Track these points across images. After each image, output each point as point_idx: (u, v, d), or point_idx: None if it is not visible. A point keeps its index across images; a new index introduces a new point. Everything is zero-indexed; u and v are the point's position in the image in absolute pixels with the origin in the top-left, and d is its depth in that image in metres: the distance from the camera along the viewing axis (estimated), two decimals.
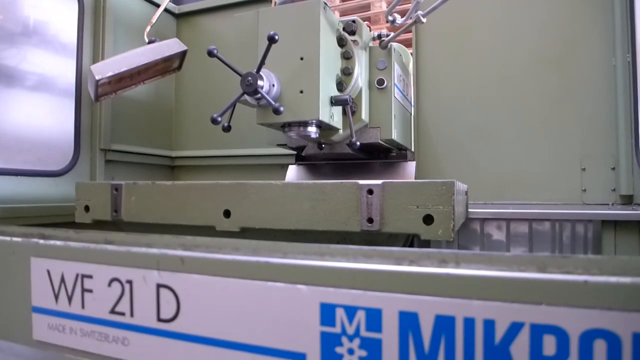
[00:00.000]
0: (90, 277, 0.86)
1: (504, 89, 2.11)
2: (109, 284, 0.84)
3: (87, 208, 1.51)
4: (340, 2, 3.63)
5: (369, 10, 3.43)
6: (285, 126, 1.60)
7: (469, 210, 1.73)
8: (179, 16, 3.02)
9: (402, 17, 1.68)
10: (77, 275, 0.87)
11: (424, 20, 1.65)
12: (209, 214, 1.29)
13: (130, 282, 0.82)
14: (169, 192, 1.36)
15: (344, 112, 1.66)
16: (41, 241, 0.91)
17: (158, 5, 2.75)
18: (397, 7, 1.69)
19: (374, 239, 1.21)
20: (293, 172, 2.19)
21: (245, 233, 1.25)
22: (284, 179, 2.17)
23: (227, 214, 1.26)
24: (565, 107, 2.01)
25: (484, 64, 2.14)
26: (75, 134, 2.32)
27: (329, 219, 1.15)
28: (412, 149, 2.16)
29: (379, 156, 2.07)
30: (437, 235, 1.06)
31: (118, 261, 0.82)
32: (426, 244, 1.88)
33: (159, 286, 0.79)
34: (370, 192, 1.12)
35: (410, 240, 1.65)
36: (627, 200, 1.89)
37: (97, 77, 1.90)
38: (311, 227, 1.17)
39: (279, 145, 2.06)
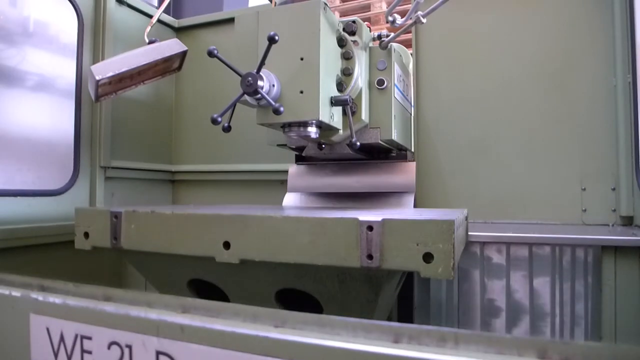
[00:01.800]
0: (89, 338, 0.84)
1: (504, 103, 2.08)
2: (109, 347, 0.82)
3: (86, 234, 1.48)
4: (340, 3, 3.61)
5: (369, 11, 3.40)
6: (285, 126, 1.57)
7: (469, 233, 1.73)
8: (178, 30, 2.99)
9: (402, 18, 1.66)
10: (76, 336, 0.85)
11: (424, 20, 1.63)
12: (209, 245, 1.26)
13: (129, 346, 0.79)
14: (168, 221, 1.33)
15: (344, 113, 1.64)
16: (40, 297, 0.88)
17: (159, 21, 2.71)
18: (397, 7, 1.67)
19: (374, 274, 1.19)
20: (294, 173, 2.17)
21: (245, 264, 1.23)
22: (284, 195, 2.15)
23: (226, 245, 1.24)
24: (566, 126, 1.99)
25: (484, 80, 2.12)
26: (75, 152, 2.29)
27: (329, 253, 1.13)
28: (412, 149, 2.14)
29: (379, 156, 2.05)
30: (437, 274, 1.04)
31: (117, 324, 0.80)
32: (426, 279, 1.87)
33: (158, 353, 0.77)
34: (370, 228, 1.09)
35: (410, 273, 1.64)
36: (628, 222, 1.87)
37: (97, 77, 1.88)
38: (311, 261, 1.15)
39: (279, 145, 2.04)
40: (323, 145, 1.85)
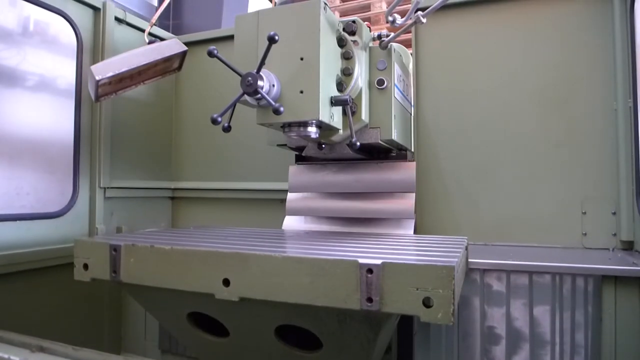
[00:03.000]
0: None
1: (505, 126, 2.08)
2: None
3: (85, 266, 1.47)
4: (340, 3, 3.61)
5: (369, 11, 3.41)
6: (285, 126, 1.57)
7: (470, 260, 1.73)
8: None
9: (402, 18, 1.65)
10: None
11: (424, 20, 1.63)
12: (209, 282, 1.26)
13: None
14: (168, 257, 1.33)
15: (344, 113, 1.63)
16: None
17: (157, 36, 2.67)
18: (397, 7, 1.67)
19: (373, 314, 1.20)
20: (294, 172, 2.17)
21: (245, 302, 1.23)
22: (284, 214, 2.15)
23: (226, 282, 1.24)
24: (566, 150, 1.98)
25: (484, 104, 2.12)
26: (74, 173, 2.26)
27: (329, 295, 1.13)
28: (412, 149, 2.14)
29: (379, 156, 2.04)
30: (436, 319, 1.04)
31: None
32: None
33: None
34: (369, 271, 1.10)
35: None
36: (628, 246, 1.86)
37: (97, 77, 1.88)
38: (311, 302, 1.15)
39: (279, 145, 2.03)
40: (323, 145, 1.85)
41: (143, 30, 2.53)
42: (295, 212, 2.14)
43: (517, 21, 2.09)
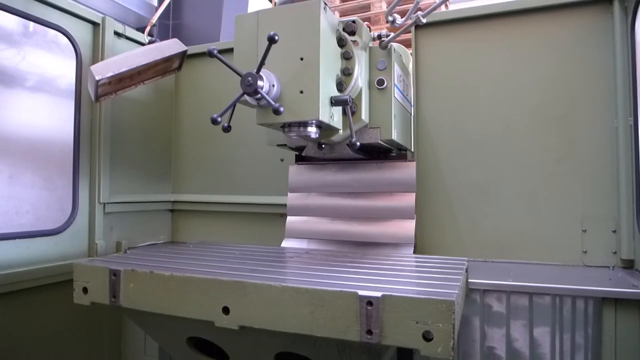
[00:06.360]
0: None
1: (506, 145, 2.07)
2: None
3: (85, 290, 1.47)
4: (340, 3, 3.62)
5: (369, 11, 3.41)
6: (285, 126, 1.57)
7: (470, 280, 1.73)
8: None
9: (402, 18, 1.66)
10: None
11: (423, 20, 1.63)
12: (208, 309, 1.27)
13: None
14: (167, 283, 1.33)
15: (344, 112, 1.63)
16: None
17: None
18: (397, 7, 1.67)
19: (373, 347, 1.20)
20: (294, 172, 2.17)
21: (244, 330, 1.23)
22: (284, 229, 2.14)
23: (226, 310, 1.24)
24: (567, 167, 1.97)
25: (484, 123, 2.11)
26: (73, 190, 2.24)
27: (328, 325, 1.13)
28: (412, 149, 2.14)
29: (379, 156, 2.04)
30: (436, 353, 1.03)
31: None
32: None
33: None
34: (369, 303, 1.09)
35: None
36: (628, 265, 1.85)
37: (97, 78, 1.88)
38: (310, 332, 1.15)
39: (279, 145, 2.03)
40: (323, 145, 1.85)
41: (141, 44, 2.50)
42: (296, 213, 2.14)
43: (518, 37, 2.07)
